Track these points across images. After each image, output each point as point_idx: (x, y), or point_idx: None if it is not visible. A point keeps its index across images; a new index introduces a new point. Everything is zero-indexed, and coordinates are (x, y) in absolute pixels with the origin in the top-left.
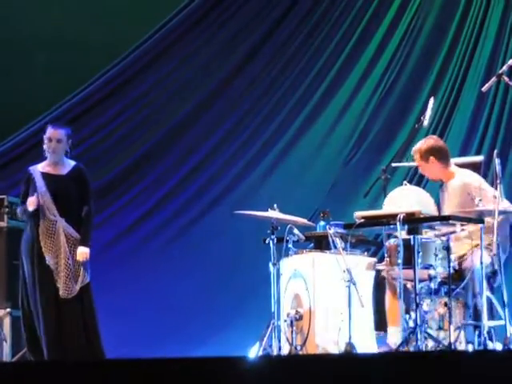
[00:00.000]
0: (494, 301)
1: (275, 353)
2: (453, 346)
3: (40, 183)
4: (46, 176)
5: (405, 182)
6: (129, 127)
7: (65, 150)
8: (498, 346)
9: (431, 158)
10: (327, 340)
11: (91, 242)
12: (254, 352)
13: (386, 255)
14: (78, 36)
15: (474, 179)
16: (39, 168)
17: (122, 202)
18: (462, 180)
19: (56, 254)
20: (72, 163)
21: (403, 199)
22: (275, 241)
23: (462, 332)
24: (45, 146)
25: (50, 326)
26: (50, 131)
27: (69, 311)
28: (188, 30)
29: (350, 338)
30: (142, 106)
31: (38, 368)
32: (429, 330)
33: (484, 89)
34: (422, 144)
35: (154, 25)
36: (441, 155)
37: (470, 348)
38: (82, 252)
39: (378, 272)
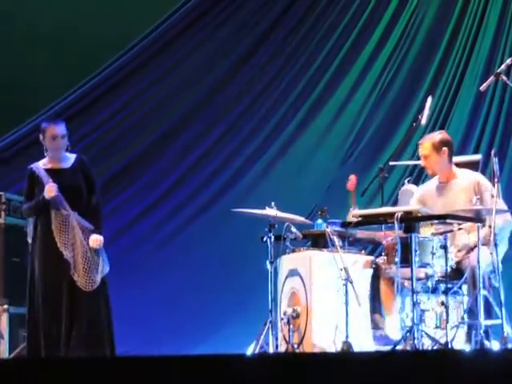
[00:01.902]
0: (491, 300)
1: (272, 351)
2: (450, 345)
3: (47, 180)
4: (50, 172)
5: (406, 180)
6: (128, 125)
7: (66, 144)
8: (495, 345)
9: (444, 148)
10: (324, 338)
11: (102, 231)
12: (251, 350)
13: (383, 254)
14: (78, 31)
15: (483, 179)
16: (41, 165)
17: (119, 200)
18: (475, 178)
19: (72, 247)
20: (73, 156)
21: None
22: (273, 239)
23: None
24: (47, 145)
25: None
26: (52, 129)
27: (87, 304)
28: (187, 29)
29: (346, 337)
30: (140, 104)
31: (35, 365)
32: (426, 329)
33: (482, 88)
34: (435, 135)
35: (152, 22)
36: (451, 150)
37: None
38: (96, 239)
39: (375, 270)
